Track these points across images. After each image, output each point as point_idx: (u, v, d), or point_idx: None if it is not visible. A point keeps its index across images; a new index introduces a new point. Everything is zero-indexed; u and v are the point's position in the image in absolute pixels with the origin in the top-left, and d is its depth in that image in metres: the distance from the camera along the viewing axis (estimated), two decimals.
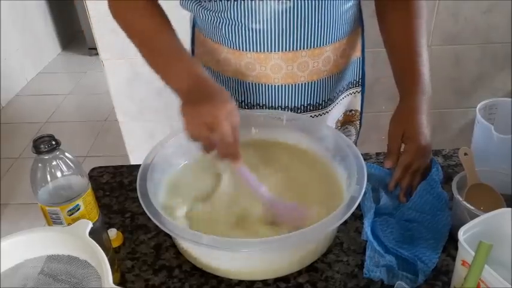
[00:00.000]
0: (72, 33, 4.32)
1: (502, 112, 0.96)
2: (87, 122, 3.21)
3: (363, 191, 0.77)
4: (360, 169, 0.82)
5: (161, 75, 0.91)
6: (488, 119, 0.93)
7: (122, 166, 1.08)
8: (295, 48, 0.95)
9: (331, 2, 0.92)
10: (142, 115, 1.97)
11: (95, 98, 3.40)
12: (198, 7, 0.97)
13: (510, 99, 0.96)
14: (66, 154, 0.70)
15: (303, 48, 0.96)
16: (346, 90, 1.12)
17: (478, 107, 0.94)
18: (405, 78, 0.96)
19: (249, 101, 1.05)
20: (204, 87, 0.84)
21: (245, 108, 1.07)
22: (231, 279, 0.80)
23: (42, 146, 0.67)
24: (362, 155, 0.86)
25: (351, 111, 1.17)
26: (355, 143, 1.22)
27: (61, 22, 4.23)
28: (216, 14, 0.95)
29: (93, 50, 3.87)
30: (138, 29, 0.94)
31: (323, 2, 0.91)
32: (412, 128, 0.90)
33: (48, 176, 0.68)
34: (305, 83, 1.01)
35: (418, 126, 0.89)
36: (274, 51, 0.96)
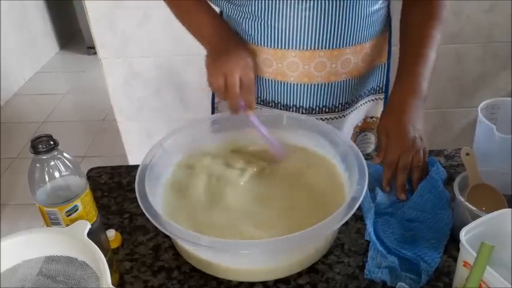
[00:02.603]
0: (71, 32, 4.32)
1: (504, 112, 0.96)
2: (85, 122, 3.20)
3: (364, 191, 0.77)
4: (360, 169, 0.82)
5: (192, 30, 1.01)
6: (490, 119, 0.92)
7: (120, 166, 1.07)
8: (312, 48, 0.95)
9: (354, 3, 0.92)
10: (140, 115, 1.96)
11: (93, 98, 3.39)
12: (223, 1, 0.98)
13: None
14: (64, 154, 0.69)
15: (321, 48, 0.95)
16: (368, 96, 1.11)
17: (479, 107, 0.94)
18: (401, 76, 0.97)
19: (265, 97, 1.05)
20: (226, 42, 0.95)
21: (261, 104, 1.07)
22: (231, 281, 0.79)
23: (40, 146, 0.66)
24: (363, 155, 0.86)
25: (371, 117, 1.16)
26: (374, 151, 1.19)
27: (59, 21, 4.22)
28: (239, 8, 0.96)
29: (91, 49, 3.85)
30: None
31: (345, 3, 0.91)
32: (392, 124, 0.92)
33: (46, 177, 0.68)
34: (321, 84, 1.00)
35: (399, 123, 0.91)
36: (291, 48, 0.96)
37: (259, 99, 1.07)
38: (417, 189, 0.89)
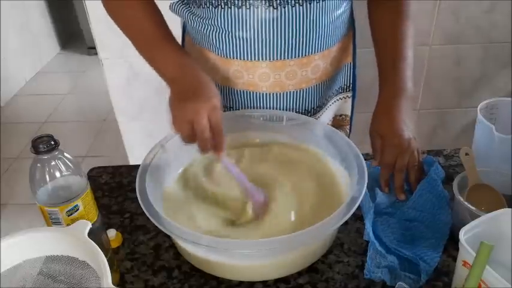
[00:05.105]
0: (72, 33, 4.32)
1: (503, 112, 0.96)
2: (86, 122, 3.20)
3: (364, 191, 0.77)
4: (360, 169, 0.82)
5: (153, 66, 0.92)
6: (489, 119, 0.92)
7: (121, 166, 1.07)
8: (282, 57, 0.95)
9: (320, 10, 0.91)
10: (141, 115, 1.96)
11: (93, 98, 3.39)
12: (188, 13, 0.97)
13: (511, 98, 0.95)
14: (65, 154, 0.70)
15: (291, 58, 0.95)
16: (336, 95, 1.12)
17: (479, 107, 0.94)
18: (385, 78, 0.97)
19: (237, 107, 1.04)
20: (190, 79, 0.87)
21: None
22: (231, 280, 0.79)
23: (41, 146, 0.66)
24: (362, 155, 0.86)
25: (340, 115, 1.17)
26: None
27: (60, 21, 4.23)
28: (204, 21, 0.94)
29: (92, 50, 3.86)
30: (133, 25, 0.94)
31: (311, 10, 0.90)
32: (385, 126, 0.92)
33: (47, 176, 0.68)
34: (293, 91, 1.00)
35: (391, 124, 0.90)
36: (262, 59, 0.95)
37: (232, 110, 1.06)
38: (417, 189, 0.90)
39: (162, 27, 0.94)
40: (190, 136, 0.82)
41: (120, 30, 0.95)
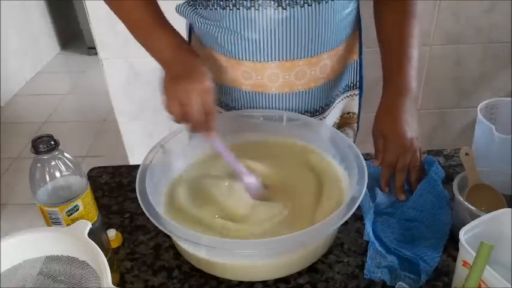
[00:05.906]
0: (72, 33, 4.31)
1: (503, 112, 0.96)
2: (86, 122, 3.20)
3: (364, 191, 0.77)
4: (360, 169, 0.82)
5: (149, 50, 0.93)
6: (489, 119, 0.92)
7: (121, 166, 1.08)
8: (292, 58, 0.94)
9: (329, 10, 0.91)
10: (141, 115, 1.97)
11: (94, 98, 3.39)
12: (195, 15, 0.97)
13: (511, 98, 0.95)
14: (65, 154, 0.70)
15: (300, 57, 0.95)
16: (343, 93, 1.12)
17: (479, 107, 0.94)
18: (389, 78, 0.97)
19: (245, 109, 1.04)
20: (183, 61, 0.89)
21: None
22: (231, 280, 0.79)
23: (41, 146, 0.66)
24: (362, 155, 0.86)
25: (348, 113, 1.16)
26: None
27: (60, 21, 4.22)
28: (212, 23, 0.94)
29: (92, 50, 3.86)
30: (130, 12, 0.93)
31: (320, 10, 0.90)
32: (388, 125, 0.92)
33: (47, 176, 0.68)
34: (302, 91, 1.00)
35: (394, 124, 0.91)
36: (271, 60, 0.95)
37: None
38: (417, 189, 0.90)
39: (158, 13, 0.94)
40: (181, 116, 0.85)
41: (122, 28, 0.94)
